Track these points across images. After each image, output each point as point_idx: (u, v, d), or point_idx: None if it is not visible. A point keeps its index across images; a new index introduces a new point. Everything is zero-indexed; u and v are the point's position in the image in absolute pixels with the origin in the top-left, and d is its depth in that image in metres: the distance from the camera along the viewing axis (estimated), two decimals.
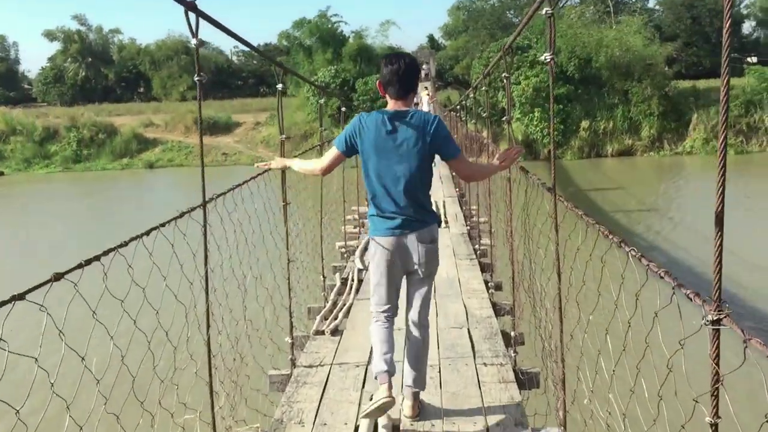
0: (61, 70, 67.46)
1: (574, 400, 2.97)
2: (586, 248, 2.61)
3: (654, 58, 39.46)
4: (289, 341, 4.32)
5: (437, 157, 3.41)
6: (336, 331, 4.82)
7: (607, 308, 2.38)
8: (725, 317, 1.50)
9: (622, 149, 38.43)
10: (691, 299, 1.66)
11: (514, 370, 4.02)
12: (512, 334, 4.43)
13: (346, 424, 3.42)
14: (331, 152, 3.50)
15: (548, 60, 2.77)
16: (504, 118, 4.50)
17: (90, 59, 66.98)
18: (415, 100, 3.57)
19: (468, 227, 9.05)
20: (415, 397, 3.47)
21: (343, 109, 8.56)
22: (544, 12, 2.65)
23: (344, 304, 5.56)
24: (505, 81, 4.20)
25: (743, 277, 13.04)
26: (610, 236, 2.12)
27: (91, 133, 45.68)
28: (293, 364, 4.24)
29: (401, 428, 3.39)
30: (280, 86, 4.42)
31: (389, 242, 3.35)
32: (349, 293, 5.90)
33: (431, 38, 71.05)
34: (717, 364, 1.51)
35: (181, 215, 2.66)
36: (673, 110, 38.89)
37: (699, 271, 13.73)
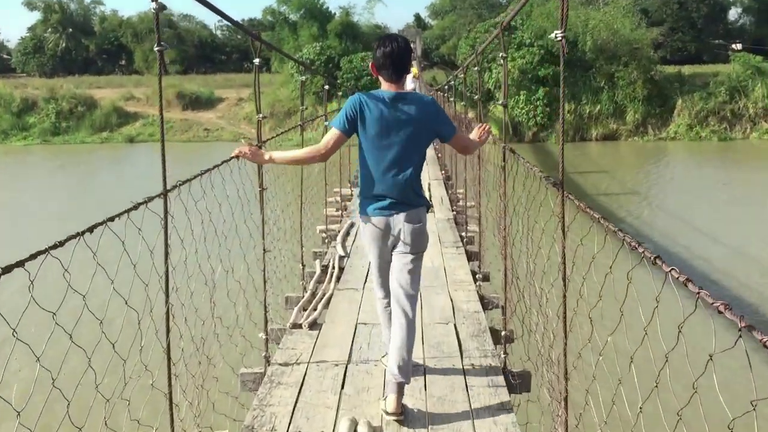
0: (41, 41, 65.91)
1: (579, 422, 2.72)
2: (589, 248, 2.35)
3: (640, 42, 39.29)
4: (264, 337, 4.03)
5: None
6: (314, 325, 4.52)
7: (616, 318, 2.14)
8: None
9: (607, 133, 38.35)
10: (720, 312, 1.42)
11: (504, 372, 3.77)
12: (503, 333, 4.16)
13: (322, 431, 3.17)
14: (331, 134, 3.42)
15: (559, 38, 2.51)
16: (500, 102, 4.23)
17: (71, 30, 65.47)
18: None
19: (454, 212, 8.75)
20: (400, 389, 3.31)
21: (327, 87, 8.17)
22: None
23: (324, 294, 5.28)
24: (502, 61, 3.91)
25: (725, 264, 13.16)
26: (623, 236, 1.87)
27: (70, 105, 44.66)
28: (267, 362, 3.95)
29: None
30: (257, 61, 4.08)
31: (380, 222, 3.43)
32: (330, 282, 5.62)
33: (418, 17, 70.34)
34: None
35: (136, 206, 2.31)
36: (658, 95, 38.86)
37: (685, 258, 13.80)
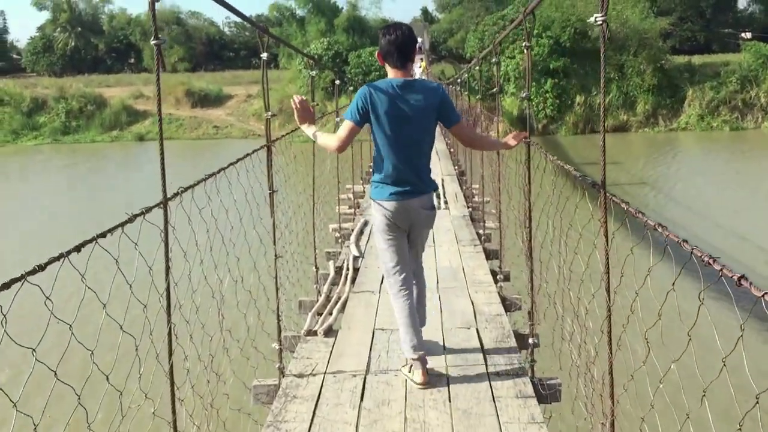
0: (50, 40, 66.01)
1: None
2: (638, 256, 2.12)
3: (650, 31, 38.81)
4: (277, 347, 3.82)
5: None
6: (330, 331, 4.30)
7: (676, 341, 1.91)
8: None
9: (617, 125, 37.93)
10: None
11: (532, 381, 3.54)
12: (530, 340, 3.93)
13: None
14: (345, 126, 3.53)
15: (599, 22, 2.29)
16: (522, 95, 4.00)
17: (80, 29, 65.53)
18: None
19: (470, 209, 8.51)
20: (423, 362, 3.55)
21: (337, 82, 7.95)
22: None
23: (339, 298, 5.07)
24: (525, 51, 3.67)
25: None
26: (691, 248, 1.64)
27: (80, 104, 44.70)
28: (281, 373, 3.73)
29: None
30: (264, 55, 3.86)
31: (393, 206, 3.53)
32: (344, 284, 5.41)
33: (425, 11, 69.91)
34: None
35: (132, 218, 2.04)
36: (669, 85, 38.43)
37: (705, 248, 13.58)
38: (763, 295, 1.30)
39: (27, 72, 66.18)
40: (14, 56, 73.37)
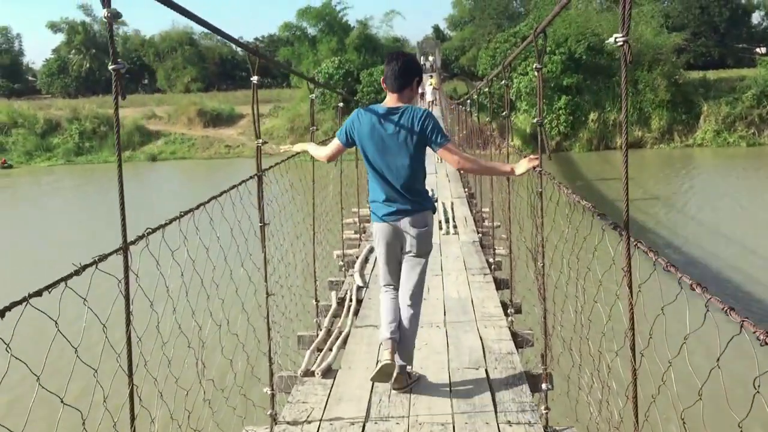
0: (65, 62, 66.72)
1: None
2: (665, 307, 1.85)
3: (664, 47, 38.55)
4: (269, 392, 3.56)
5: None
6: (329, 371, 4.02)
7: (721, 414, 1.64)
8: None
9: (632, 141, 37.60)
10: None
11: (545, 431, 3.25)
12: (544, 386, 3.61)
13: None
14: (333, 143, 3.91)
15: (620, 42, 2.04)
16: (534, 120, 3.72)
17: (94, 51, 66.18)
18: (420, 90, 3.90)
19: (480, 234, 8.18)
20: (402, 370, 3.77)
21: (341, 104, 7.71)
22: None
23: (340, 332, 4.79)
24: (536, 72, 3.41)
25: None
26: (724, 308, 1.39)
27: (93, 125, 45.08)
28: (274, 420, 3.44)
29: None
30: (255, 79, 3.64)
31: (384, 228, 3.75)
32: (347, 316, 5.13)
33: (436, 29, 69.96)
34: None
35: (79, 271, 1.75)
36: (684, 101, 38.12)
37: (713, 267, 13.37)
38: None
39: (42, 94, 66.86)
40: (30, 78, 74.18)
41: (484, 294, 5.61)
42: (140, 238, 2.20)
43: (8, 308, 1.51)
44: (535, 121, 3.72)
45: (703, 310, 1.50)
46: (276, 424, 3.41)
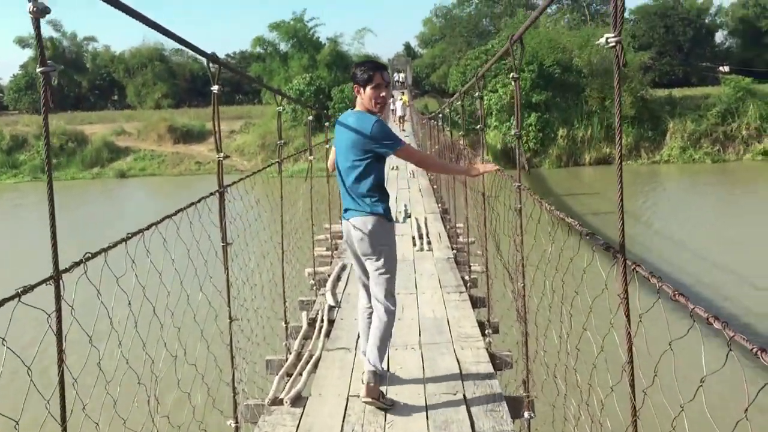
0: (33, 78, 65.54)
1: None
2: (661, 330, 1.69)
3: (631, 65, 39.27)
4: (233, 425, 3.33)
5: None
6: (298, 399, 3.78)
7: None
8: None
9: (600, 157, 38.18)
10: None
11: None
12: (526, 414, 3.43)
13: None
14: (331, 149, 4.16)
15: (612, 44, 1.90)
16: (512, 132, 3.57)
17: (63, 66, 65.16)
18: (391, 106, 3.53)
19: (454, 251, 8.02)
20: (371, 378, 3.71)
21: (310, 117, 7.51)
22: None
23: (311, 356, 4.57)
24: (513, 83, 3.27)
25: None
26: (730, 336, 1.24)
27: (60, 141, 44.25)
28: None
29: None
30: (215, 89, 3.41)
31: (343, 226, 3.98)
32: (318, 338, 4.91)
33: (407, 46, 70.44)
34: None
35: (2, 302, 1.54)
36: (650, 118, 38.84)
37: (680, 278, 13.51)
38: None
39: (9, 110, 65.54)
40: None
41: (460, 313, 5.44)
42: (76, 264, 1.93)
43: None
44: (513, 133, 3.60)
45: (718, 345, 1.35)
46: None
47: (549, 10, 55.83)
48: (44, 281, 1.76)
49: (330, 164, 4.19)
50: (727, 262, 15.09)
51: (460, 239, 8.58)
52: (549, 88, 38.02)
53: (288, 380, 4.10)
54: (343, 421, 3.52)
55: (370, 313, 3.93)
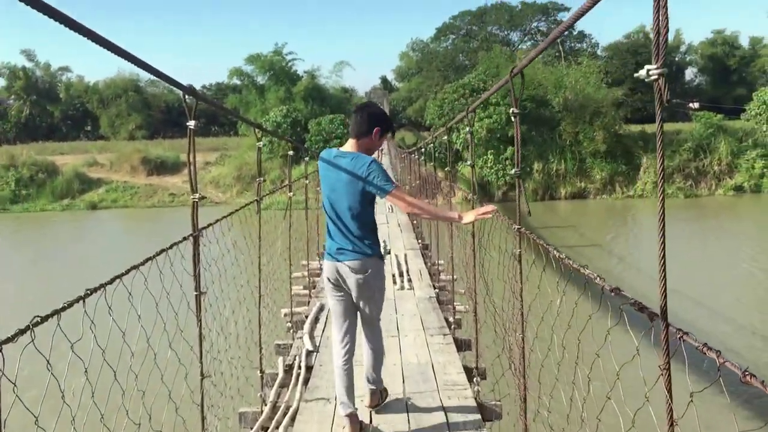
0: (4, 108, 64.72)
1: None
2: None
3: (604, 101, 39.98)
4: None
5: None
6: None
7: None
8: None
9: (575, 191, 38.59)
10: None
11: None
12: None
13: None
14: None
15: (654, 76, 1.68)
16: (512, 171, 3.34)
17: (35, 97, 64.49)
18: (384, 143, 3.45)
19: (436, 290, 7.69)
20: (373, 391, 4.11)
21: (291, 152, 7.26)
22: None
23: (288, 408, 4.28)
24: (513, 119, 3.09)
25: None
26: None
27: (30, 172, 43.58)
28: None
29: None
30: (191, 124, 3.15)
31: (330, 266, 3.88)
32: (295, 387, 4.62)
33: (384, 79, 71.08)
34: None
35: None
36: (624, 153, 39.41)
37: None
38: None
39: None
40: None
41: (445, 358, 5.15)
42: (21, 332, 1.63)
43: None
44: (513, 172, 3.38)
45: None
46: None
47: (524, 46, 56.82)
48: None
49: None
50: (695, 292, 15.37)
51: (442, 276, 8.33)
52: (525, 122, 38.42)
53: None
54: None
55: (347, 359, 3.90)
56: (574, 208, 35.35)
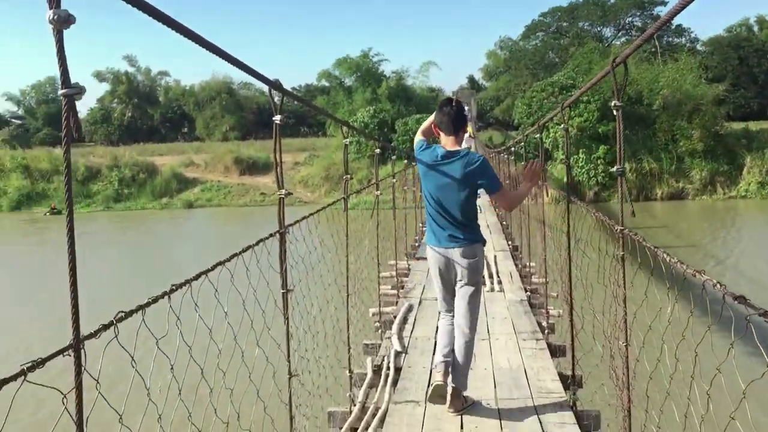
0: (108, 111, 68.65)
1: None
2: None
3: (704, 98, 37.90)
4: None
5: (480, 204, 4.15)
6: None
7: None
8: None
9: (672, 192, 36.83)
10: None
11: None
12: None
13: None
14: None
15: None
16: (613, 169, 3.11)
17: (136, 100, 68.08)
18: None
19: (528, 293, 7.44)
20: (457, 393, 4.01)
21: (378, 151, 7.21)
22: None
23: (377, 409, 4.19)
24: (615, 113, 2.90)
25: None
26: None
27: (132, 172, 45.92)
28: None
29: None
30: (277, 118, 3.10)
31: (436, 256, 4.14)
32: (384, 388, 4.53)
33: (471, 79, 70.43)
34: None
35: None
36: (725, 152, 37.24)
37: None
38: None
39: (86, 141, 68.56)
40: None
41: (539, 364, 4.91)
42: (104, 328, 1.52)
43: None
44: (614, 169, 3.16)
45: None
46: None
47: (617, 42, 54.75)
48: (60, 352, 1.44)
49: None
50: None
51: (534, 279, 8.04)
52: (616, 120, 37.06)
53: None
54: None
55: (450, 319, 4.19)
56: (672, 208, 33.69)
